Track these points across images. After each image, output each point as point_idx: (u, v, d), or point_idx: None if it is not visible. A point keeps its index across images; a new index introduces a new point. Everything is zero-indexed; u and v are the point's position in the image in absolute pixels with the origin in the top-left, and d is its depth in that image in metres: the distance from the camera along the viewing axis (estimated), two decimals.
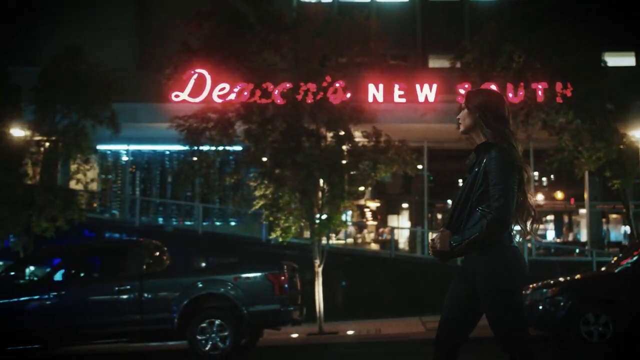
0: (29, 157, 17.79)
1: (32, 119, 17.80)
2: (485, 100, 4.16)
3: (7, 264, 19.48)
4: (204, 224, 23.54)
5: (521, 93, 18.61)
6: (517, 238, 4.22)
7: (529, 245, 22.71)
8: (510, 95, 18.65)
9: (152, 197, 25.16)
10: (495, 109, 4.12)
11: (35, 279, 12.98)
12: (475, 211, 4.02)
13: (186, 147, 17.25)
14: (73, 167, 18.53)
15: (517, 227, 4.18)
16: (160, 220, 24.86)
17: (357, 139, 16.97)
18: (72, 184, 19.41)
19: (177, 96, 20.81)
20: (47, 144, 18.08)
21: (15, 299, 12.13)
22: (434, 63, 27.46)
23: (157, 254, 13.26)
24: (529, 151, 23.89)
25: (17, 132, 17.87)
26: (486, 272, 3.99)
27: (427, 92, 21.39)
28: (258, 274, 11.85)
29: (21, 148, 17.68)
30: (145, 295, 11.85)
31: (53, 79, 17.77)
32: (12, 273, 12.28)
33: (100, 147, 21.85)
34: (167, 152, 24.92)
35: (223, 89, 19.78)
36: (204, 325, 11.58)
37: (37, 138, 18.12)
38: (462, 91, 19.86)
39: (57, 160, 18.64)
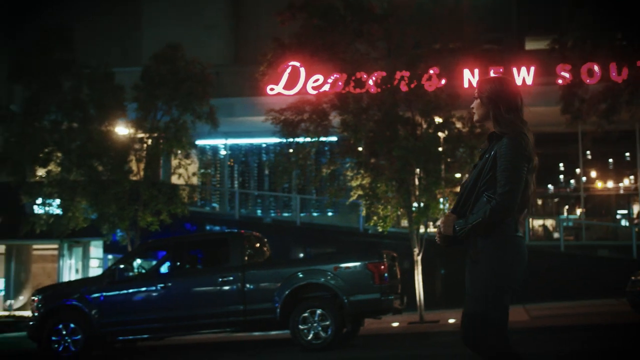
0: (133, 154, 18.44)
1: (135, 117, 18.43)
2: (497, 90, 4.11)
3: (116, 258, 20.30)
4: (302, 215, 23.79)
5: (625, 72, 17.90)
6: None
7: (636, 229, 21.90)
8: (614, 74, 17.98)
9: (250, 189, 25.63)
10: (507, 99, 4.08)
11: (143, 271, 13.45)
12: (482, 197, 3.99)
13: (282, 140, 17.45)
14: (174, 162, 19.08)
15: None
16: (259, 212, 25.30)
17: (453, 126, 16.75)
18: (174, 179, 20.00)
19: (272, 89, 21.08)
20: (150, 140, 18.67)
21: (125, 291, 12.62)
22: (530, 45, 26.74)
23: (258, 245, 13.51)
24: (634, 132, 22.97)
25: (122, 130, 18.55)
26: (485, 263, 3.96)
27: (524, 75, 20.92)
28: (358, 264, 11.90)
29: (126, 146, 18.34)
30: (248, 285, 12.10)
31: (153, 77, 18.33)
32: (122, 266, 12.76)
33: (199, 142, 22.40)
34: (264, 145, 25.30)
35: (317, 80, 19.91)
36: (305, 314, 11.72)
37: (140, 135, 18.75)
38: (563, 73, 19.30)
39: (159, 156, 19.22)
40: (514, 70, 20.90)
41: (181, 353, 13.51)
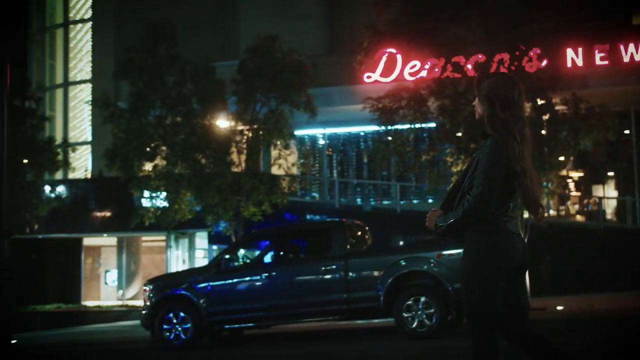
0: (234, 146, 18.82)
1: (235, 109, 18.79)
2: (493, 87, 4.12)
3: (221, 248, 20.79)
4: (402, 202, 23.67)
5: None
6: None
7: None
8: None
9: (350, 178, 25.69)
10: (504, 96, 4.08)
11: (248, 261, 13.71)
12: (465, 196, 4.04)
13: (380, 127, 17.39)
14: (274, 153, 19.36)
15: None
16: (359, 200, 25.34)
17: (556, 108, 16.26)
18: (274, 170, 20.29)
19: (369, 77, 21.02)
20: (250, 132, 19.01)
21: (231, 281, 12.92)
22: (638, 20, 25.58)
23: (360, 233, 13.53)
24: None
25: (223, 123, 18.96)
26: (468, 252, 4.05)
27: (632, 52, 20.05)
28: (461, 250, 11.73)
29: (227, 138, 18.74)
30: (351, 274, 12.15)
31: (251, 69, 18.63)
32: (227, 256, 13.05)
33: (298, 132, 22.61)
34: (362, 133, 25.29)
35: (414, 66, 19.72)
36: (409, 302, 11.66)
37: (241, 127, 19.11)
38: None
39: (259, 148, 19.55)
40: (621, 47, 20.07)
41: (286, 341, 13.72)
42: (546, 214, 22.10)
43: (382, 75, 20.74)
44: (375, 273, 12.09)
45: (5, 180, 4.40)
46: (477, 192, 3.95)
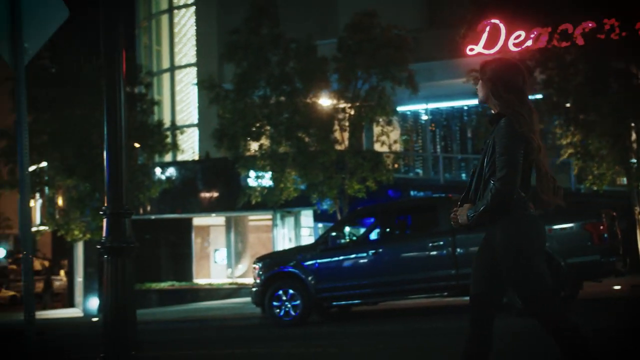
0: (337, 124, 18.88)
1: (337, 87, 18.83)
2: (496, 71, 4.15)
3: (326, 226, 20.96)
4: None
5: None
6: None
7: None
8: None
9: (453, 153, 25.32)
10: (507, 79, 4.10)
11: (354, 238, 13.77)
12: (489, 183, 4.02)
13: None
14: (377, 129, 19.30)
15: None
16: (463, 175, 24.96)
17: None
18: (377, 147, 20.24)
19: (471, 50, 20.58)
20: (352, 109, 19.01)
21: (338, 258, 13.01)
22: None
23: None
24: None
25: (325, 101, 19.05)
26: (504, 239, 4.02)
27: None
28: (574, 224, 11.40)
29: (330, 116, 18.81)
30: (458, 250, 12.01)
31: (350, 46, 18.59)
32: (334, 234, 13.15)
33: (400, 108, 22.44)
34: (465, 107, 24.85)
35: (519, 36, 19.13)
36: None
37: (343, 105, 19.15)
38: None
39: (362, 125, 19.53)
40: None
41: (394, 318, 13.72)
42: None
43: (485, 47, 20.25)
44: None
45: (124, 163, 4.56)
46: (502, 174, 3.94)
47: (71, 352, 11.91)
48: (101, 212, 4.80)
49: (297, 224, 25.55)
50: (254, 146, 19.33)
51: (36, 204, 28.32)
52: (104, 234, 4.77)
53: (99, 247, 4.80)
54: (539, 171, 4.08)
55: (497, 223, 4.03)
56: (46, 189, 22.66)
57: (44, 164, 21.63)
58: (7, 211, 35.51)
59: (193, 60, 31.40)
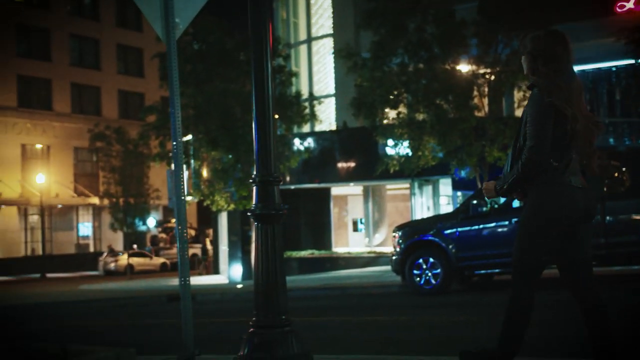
0: (477, 90, 18.44)
1: (476, 52, 18.35)
2: (535, 43, 4.15)
3: (465, 195, 20.63)
4: None
5: None
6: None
7: None
8: None
9: (600, 117, 24.16)
10: (545, 51, 4.10)
11: (496, 206, 13.47)
12: (522, 152, 4.08)
13: (637, 60, 16.08)
14: (518, 95, 18.71)
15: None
16: (611, 140, 23.77)
17: None
18: (519, 112, 19.60)
19: (621, 7, 19.47)
20: (492, 75, 18.49)
21: (479, 226, 12.79)
22: None
23: (616, 174, 12.69)
24: None
25: (465, 67, 18.63)
26: (528, 206, 4.12)
27: None
28: None
29: (469, 82, 18.40)
30: (608, 217, 11.50)
31: (491, 9, 18.03)
32: (475, 202, 12.92)
33: None
34: (613, 69, 23.58)
35: None
36: None
37: (483, 71, 18.66)
38: None
39: (502, 90, 18.97)
40: None
41: (537, 288, 13.35)
42: None
43: (637, 3, 19.09)
44: (636, 217, 11.31)
45: (272, 132, 4.65)
46: (531, 144, 4.00)
47: (222, 316, 12.45)
48: (250, 180, 4.93)
49: (436, 193, 25.31)
50: (391, 114, 19.23)
51: (183, 175, 29.62)
52: (253, 202, 4.90)
53: (249, 214, 4.93)
54: (576, 139, 4.07)
55: (530, 188, 4.10)
56: (192, 161, 23.62)
57: (189, 137, 22.53)
58: (156, 182, 37.33)
59: (329, 30, 31.58)
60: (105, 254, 43.45)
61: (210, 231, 36.22)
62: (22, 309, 18.69)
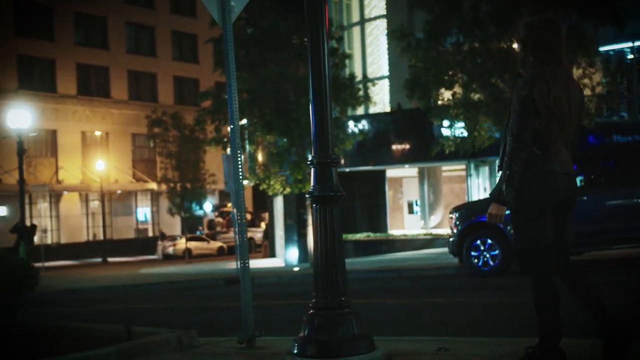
0: None
1: None
2: (526, 29, 4.18)
3: None
4: None
5: None
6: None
7: None
8: None
9: None
10: (537, 39, 4.12)
11: None
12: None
13: None
14: (577, 72, 18.26)
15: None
16: None
17: None
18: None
19: None
20: None
21: None
22: None
23: None
24: None
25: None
26: (516, 194, 4.16)
27: None
28: None
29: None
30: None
31: None
32: None
33: (603, 48, 21.05)
34: None
35: None
36: None
37: None
38: None
39: None
40: None
41: (598, 269, 13.09)
42: None
43: None
44: None
45: (329, 115, 4.65)
46: (512, 133, 4.11)
47: (280, 298, 12.57)
48: (309, 162, 4.94)
49: (492, 174, 25.02)
50: (446, 95, 19.02)
51: (241, 159, 29.83)
52: (311, 184, 4.91)
53: (307, 196, 4.95)
54: (557, 129, 4.13)
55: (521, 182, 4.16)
56: (247, 145, 23.79)
57: (244, 121, 22.69)
58: (211, 167, 37.76)
59: (383, 11, 31.35)
60: (160, 239, 44.17)
61: (266, 215, 36.50)
62: (85, 291, 19.18)
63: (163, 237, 44.68)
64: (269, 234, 32.06)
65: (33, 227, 21.96)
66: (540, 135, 4.12)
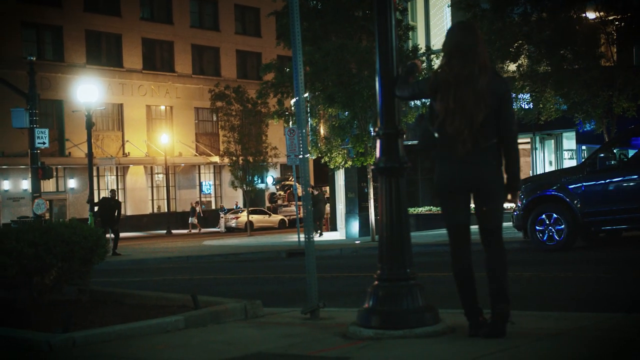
0: (604, 38, 17.53)
1: None
2: (446, 38, 4.81)
3: (590, 148, 19.84)
4: None
5: None
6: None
7: None
8: None
9: None
10: (447, 45, 4.75)
11: (625, 160, 12.89)
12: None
13: None
14: None
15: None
16: None
17: None
18: None
19: None
20: (622, 21, 17.50)
21: (606, 181, 12.29)
22: None
23: None
24: None
25: (591, 14, 17.73)
26: None
27: None
28: None
29: (595, 29, 17.50)
30: None
31: None
32: (602, 155, 12.39)
33: None
34: None
35: None
36: None
37: (611, 17, 17.69)
38: None
39: (633, 37, 17.95)
40: None
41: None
42: None
43: None
44: None
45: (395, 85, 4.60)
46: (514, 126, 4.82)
47: (342, 271, 12.63)
48: (374, 134, 4.94)
49: (558, 147, 24.47)
50: (511, 67, 18.62)
51: (306, 132, 29.88)
52: (377, 155, 4.89)
53: (372, 167, 4.94)
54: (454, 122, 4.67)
55: None
56: (309, 118, 23.81)
57: (306, 94, 22.70)
58: (274, 141, 37.96)
59: None
60: (224, 211, 45.03)
61: (327, 188, 36.60)
62: (151, 261, 19.63)
63: (224, 210, 45.53)
64: (331, 207, 32.15)
65: (117, 203, 22.55)
66: (444, 130, 4.66)
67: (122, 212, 26.30)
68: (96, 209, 22.98)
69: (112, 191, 24.69)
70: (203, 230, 44.79)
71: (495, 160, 4.73)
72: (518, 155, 4.85)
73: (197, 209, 46.32)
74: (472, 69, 4.60)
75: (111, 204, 22.34)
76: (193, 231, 44.34)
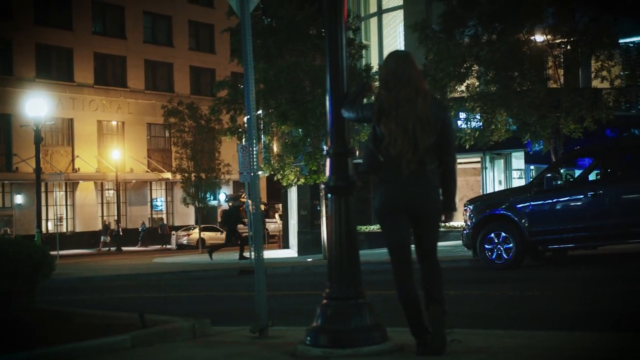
0: (551, 60, 17.95)
1: (552, 22, 17.83)
2: (382, 69, 4.94)
3: (538, 168, 20.22)
4: None
5: None
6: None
7: None
8: None
9: None
10: (382, 75, 4.86)
11: (571, 180, 13.16)
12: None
13: None
14: (596, 65, 18.13)
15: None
16: None
17: None
18: (596, 83, 19.02)
19: None
20: (568, 44, 17.96)
21: (553, 200, 12.52)
22: None
23: None
24: None
25: (538, 37, 18.14)
26: None
27: None
28: None
29: (542, 52, 17.91)
30: None
31: None
32: (549, 175, 12.62)
33: (622, 40, 20.85)
34: None
35: None
36: None
37: (558, 40, 18.13)
38: None
39: (579, 60, 18.43)
40: None
41: (612, 263, 13.02)
42: None
43: None
44: None
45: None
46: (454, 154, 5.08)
47: (293, 289, 12.58)
48: (324, 153, 4.94)
49: (508, 166, 24.88)
50: (461, 88, 18.90)
51: (255, 149, 29.84)
52: (327, 173, 4.91)
53: (322, 186, 4.95)
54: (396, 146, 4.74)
55: None
56: (262, 136, 23.79)
57: (259, 111, 22.68)
58: (226, 157, 37.80)
59: (400, 2, 31.17)
60: (143, 229, 44.81)
61: (280, 206, 36.54)
62: (99, 279, 19.29)
63: (164, 229, 45.32)
64: (283, 224, 32.10)
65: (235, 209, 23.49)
66: (388, 153, 4.71)
67: (71, 228, 25.84)
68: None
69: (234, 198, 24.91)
70: (153, 247, 44.22)
71: (437, 183, 4.84)
72: (456, 177, 5.01)
73: (112, 226, 45.37)
74: (408, 91, 4.71)
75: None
76: (103, 249, 43.36)
